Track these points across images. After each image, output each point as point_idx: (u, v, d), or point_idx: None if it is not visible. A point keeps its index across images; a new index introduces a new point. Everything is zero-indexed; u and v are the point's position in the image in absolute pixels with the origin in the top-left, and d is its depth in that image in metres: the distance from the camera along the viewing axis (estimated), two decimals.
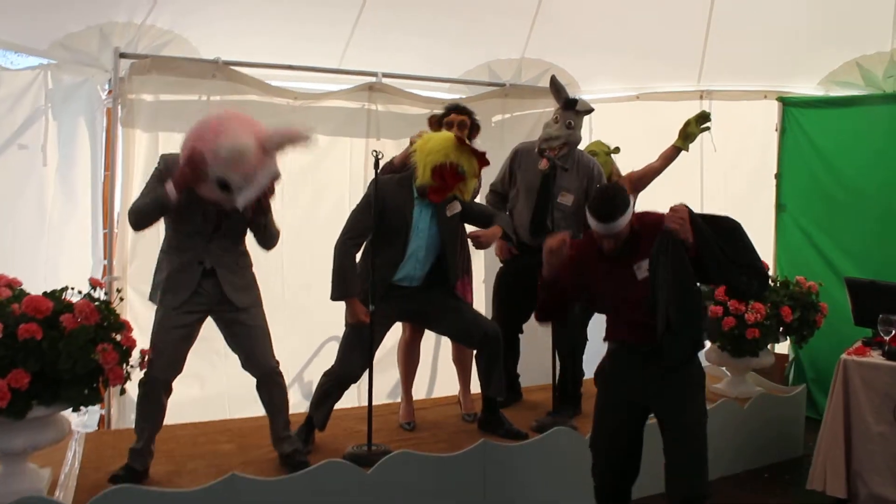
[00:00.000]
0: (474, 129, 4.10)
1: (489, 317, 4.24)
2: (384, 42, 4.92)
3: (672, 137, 4.40)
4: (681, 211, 2.77)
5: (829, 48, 5.26)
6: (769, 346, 4.49)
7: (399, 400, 4.31)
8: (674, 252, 2.74)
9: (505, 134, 5.12)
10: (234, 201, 2.95)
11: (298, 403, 4.39)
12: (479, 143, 4.98)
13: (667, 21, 5.27)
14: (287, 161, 4.48)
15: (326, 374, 3.64)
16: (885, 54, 5.11)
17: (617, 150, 4.30)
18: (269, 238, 3.27)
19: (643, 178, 4.34)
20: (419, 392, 4.52)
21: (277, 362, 3.32)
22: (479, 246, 3.67)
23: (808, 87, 5.47)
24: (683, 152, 4.37)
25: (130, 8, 4.20)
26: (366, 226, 3.50)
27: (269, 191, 3.07)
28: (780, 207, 5.50)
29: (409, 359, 4.15)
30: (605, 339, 3.05)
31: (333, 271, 3.47)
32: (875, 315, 3.87)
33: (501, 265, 4.34)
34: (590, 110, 4.11)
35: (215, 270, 3.17)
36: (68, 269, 4.11)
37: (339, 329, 3.64)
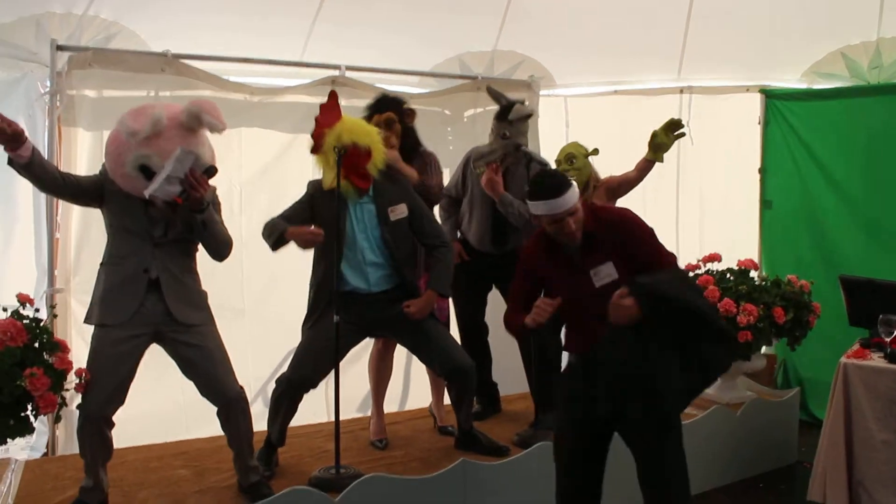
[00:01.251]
0: (406, 115, 3.73)
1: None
2: (347, 36, 4.64)
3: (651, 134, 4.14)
4: (622, 304, 2.33)
5: (812, 38, 5.10)
6: (761, 349, 4.26)
7: (369, 414, 4.04)
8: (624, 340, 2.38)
9: (478, 128, 4.85)
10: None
11: (261, 415, 4.11)
12: (449, 139, 4.74)
13: (645, 12, 5.07)
14: (245, 161, 4.32)
15: (278, 381, 3.31)
16: (870, 44, 4.96)
17: (595, 151, 4.05)
18: (217, 244, 2.94)
19: (620, 187, 4.09)
20: (391, 405, 4.23)
21: (241, 387, 2.97)
22: (409, 317, 3.32)
23: (791, 80, 5.29)
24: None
25: None
26: (290, 217, 3.28)
27: (199, 182, 2.76)
28: (765, 204, 5.33)
29: (380, 370, 3.87)
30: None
31: (265, 236, 3.27)
32: (872, 315, 3.68)
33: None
34: (526, 116, 3.87)
35: (160, 281, 2.84)
36: (13, 279, 3.80)
37: None
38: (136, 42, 4.11)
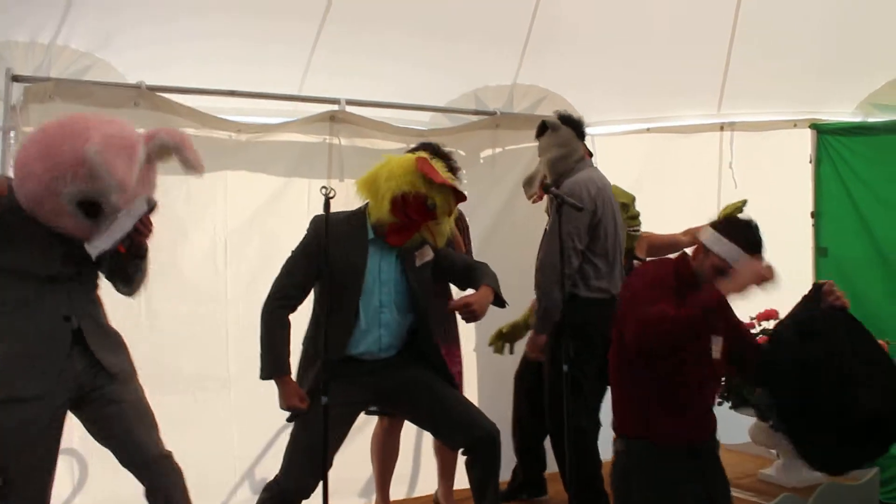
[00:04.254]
0: (451, 172, 3.26)
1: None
2: (348, 66, 4.15)
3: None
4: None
5: (868, 67, 4.60)
6: None
7: (373, 502, 3.49)
8: None
9: (497, 171, 4.35)
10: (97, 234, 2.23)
11: (247, 500, 3.58)
12: (465, 182, 4.21)
13: (682, 41, 4.60)
14: (231, 210, 3.74)
15: (267, 489, 2.70)
16: None
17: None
18: (140, 283, 2.52)
19: (663, 248, 3.55)
20: (398, 489, 3.64)
21: (168, 452, 2.45)
22: (469, 318, 2.75)
23: (845, 113, 4.77)
24: None
25: (35, 27, 3.45)
26: (298, 280, 2.71)
27: (146, 227, 2.33)
28: (819, 251, 4.74)
29: (385, 451, 3.33)
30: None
31: (260, 344, 2.67)
32: None
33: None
34: (547, 125, 3.42)
35: (82, 330, 2.35)
36: None
37: None
38: (112, 75, 3.66)
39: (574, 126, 3.44)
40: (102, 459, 2.56)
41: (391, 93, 4.16)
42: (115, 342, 2.50)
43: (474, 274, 2.86)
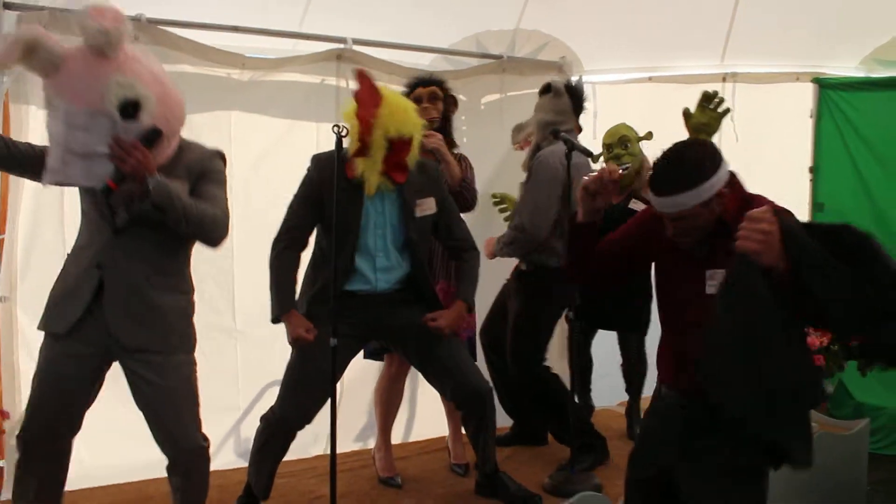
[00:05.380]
0: (450, 101, 3.33)
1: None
2: (350, 9, 4.04)
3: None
4: (763, 221, 1.74)
5: (873, 21, 4.54)
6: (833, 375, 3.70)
7: (369, 446, 3.53)
8: (748, 287, 1.78)
9: (497, 118, 4.26)
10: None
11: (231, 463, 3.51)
12: (463, 129, 4.15)
13: None
14: (235, 153, 3.61)
15: (264, 419, 2.74)
16: None
17: (649, 135, 3.52)
18: (197, 228, 2.21)
19: None
20: (394, 434, 3.64)
21: (205, 437, 2.36)
22: (436, 332, 2.75)
23: (848, 68, 4.73)
24: None
25: None
26: (301, 221, 2.73)
27: (128, 153, 2.02)
28: (816, 207, 4.75)
29: (391, 397, 3.33)
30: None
31: (269, 287, 2.68)
32: None
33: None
34: (551, 88, 3.44)
35: (103, 284, 2.20)
36: None
37: None
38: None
39: (575, 98, 3.44)
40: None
41: (388, 33, 4.01)
42: (155, 314, 2.24)
43: (460, 256, 2.91)
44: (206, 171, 2.30)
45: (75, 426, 2.31)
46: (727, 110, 3.26)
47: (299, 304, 2.76)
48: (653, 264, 2.21)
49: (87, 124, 2.01)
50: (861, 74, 4.70)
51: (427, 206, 2.78)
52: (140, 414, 2.29)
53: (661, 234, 2.05)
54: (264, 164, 3.71)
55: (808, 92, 4.74)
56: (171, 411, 2.26)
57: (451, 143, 3.29)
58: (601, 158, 3.75)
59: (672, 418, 2.08)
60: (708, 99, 3.22)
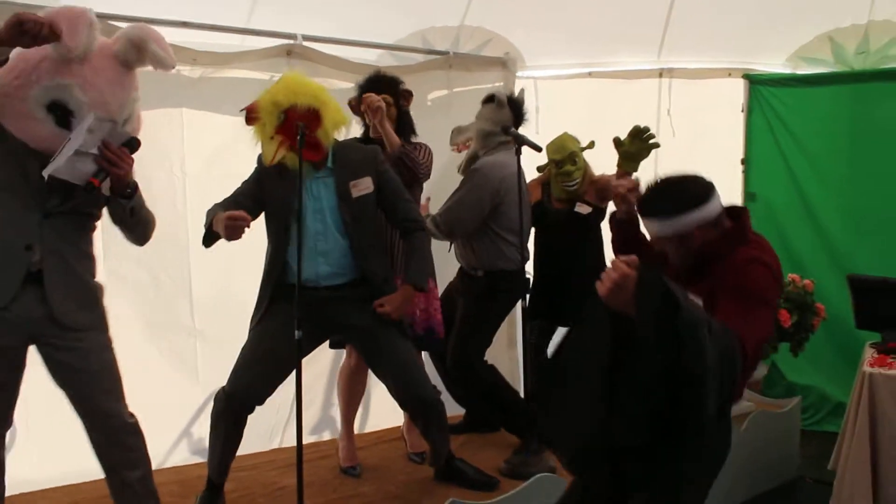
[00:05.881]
0: (403, 97, 3.34)
1: None
2: (298, 3, 4.05)
3: (629, 121, 3.67)
4: (618, 270, 1.73)
5: (800, 19, 4.78)
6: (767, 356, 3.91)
7: (325, 437, 3.65)
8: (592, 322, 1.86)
9: (443, 114, 4.32)
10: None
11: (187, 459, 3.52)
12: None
13: None
14: (188, 150, 3.61)
15: (216, 397, 2.76)
16: (860, 27, 4.69)
17: (591, 145, 3.63)
18: (144, 230, 2.38)
19: (608, 191, 3.64)
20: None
21: (132, 414, 2.34)
22: (383, 317, 2.78)
23: (776, 64, 4.97)
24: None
25: None
26: (240, 201, 2.74)
27: (119, 158, 2.16)
28: (748, 196, 4.99)
29: (353, 386, 3.38)
30: None
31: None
32: (882, 318, 3.44)
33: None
34: (494, 99, 3.52)
35: (42, 269, 2.17)
36: None
37: None
38: (60, 3, 3.43)
39: (516, 112, 3.52)
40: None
41: (334, 29, 4.02)
42: (86, 293, 2.28)
43: (407, 235, 2.92)
44: None
45: (7, 421, 2.28)
46: (657, 144, 3.33)
47: (260, 298, 2.80)
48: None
49: (94, 127, 2.11)
50: (788, 71, 4.93)
51: (364, 186, 2.79)
52: None
53: None
54: (217, 161, 3.68)
55: (739, 87, 4.95)
56: (100, 384, 2.25)
57: (411, 133, 3.33)
58: (548, 171, 3.75)
59: None
60: (639, 133, 3.30)
